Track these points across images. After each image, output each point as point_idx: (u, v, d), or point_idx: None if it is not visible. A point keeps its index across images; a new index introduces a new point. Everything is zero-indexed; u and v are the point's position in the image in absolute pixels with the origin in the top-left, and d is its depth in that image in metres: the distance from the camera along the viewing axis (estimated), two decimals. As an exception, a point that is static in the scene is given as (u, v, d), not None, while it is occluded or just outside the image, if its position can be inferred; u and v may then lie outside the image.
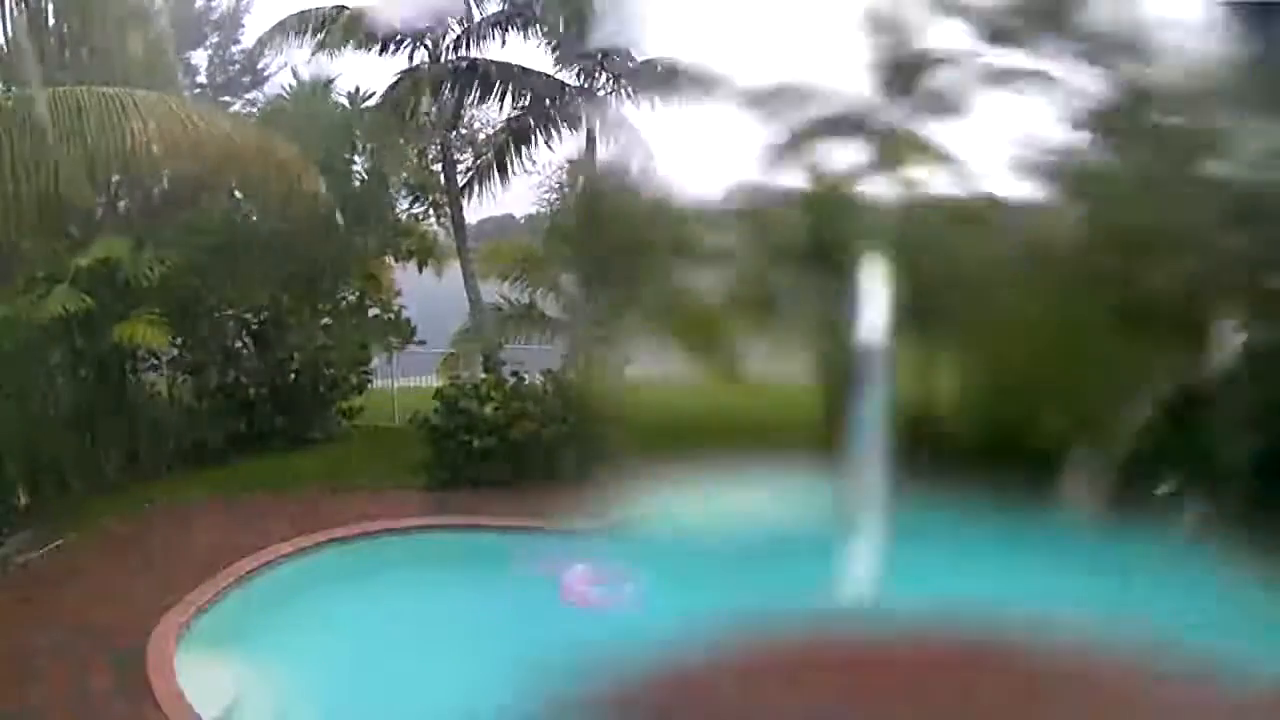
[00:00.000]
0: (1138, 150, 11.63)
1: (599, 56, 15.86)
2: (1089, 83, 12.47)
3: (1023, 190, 14.35)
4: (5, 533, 9.63)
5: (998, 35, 13.60)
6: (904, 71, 14.40)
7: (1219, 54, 11.25)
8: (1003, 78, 14.08)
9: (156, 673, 7.25)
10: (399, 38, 16.12)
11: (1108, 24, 12.59)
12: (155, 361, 13.04)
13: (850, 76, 15.02)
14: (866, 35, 14.36)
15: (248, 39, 17.95)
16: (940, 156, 14.73)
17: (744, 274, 14.95)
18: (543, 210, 16.89)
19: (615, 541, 10.50)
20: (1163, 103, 11.29)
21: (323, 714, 7.50)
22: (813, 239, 14.23)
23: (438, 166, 16.86)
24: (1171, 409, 10.12)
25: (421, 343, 15.12)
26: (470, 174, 16.95)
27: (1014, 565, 9.31)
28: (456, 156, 17.11)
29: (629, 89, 16.04)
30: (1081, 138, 13.17)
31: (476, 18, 16.20)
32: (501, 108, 16.36)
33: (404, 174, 15.92)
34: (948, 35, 14.05)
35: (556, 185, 16.69)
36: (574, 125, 16.17)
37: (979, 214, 13.97)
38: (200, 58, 15.37)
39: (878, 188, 14.64)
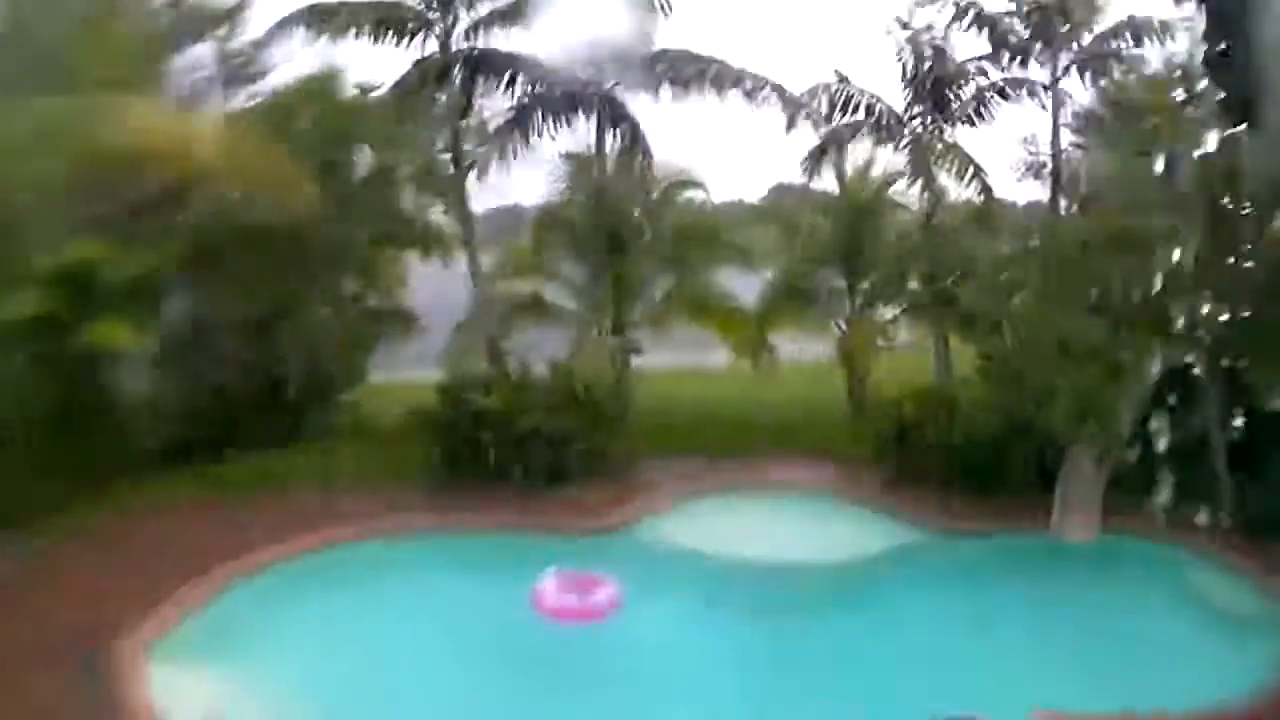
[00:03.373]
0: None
1: (611, 50, 15.42)
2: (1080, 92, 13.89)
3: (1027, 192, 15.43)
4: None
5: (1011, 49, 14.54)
6: (935, 83, 14.84)
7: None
8: (1012, 88, 14.89)
9: (128, 681, 6.97)
10: (407, 27, 15.76)
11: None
12: (143, 358, 12.60)
13: (884, 84, 15.63)
14: (900, 48, 14.89)
15: (251, 31, 17.61)
16: (965, 162, 15.10)
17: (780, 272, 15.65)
18: (552, 200, 16.46)
19: (619, 545, 10.12)
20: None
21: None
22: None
23: (446, 156, 16.47)
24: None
25: (425, 329, 14.76)
26: (479, 164, 16.54)
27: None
28: (465, 146, 16.72)
29: (644, 82, 15.55)
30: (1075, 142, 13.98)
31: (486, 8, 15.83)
32: (512, 96, 15.98)
33: (410, 164, 15.51)
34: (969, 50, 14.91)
35: (564, 176, 16.25)
36: (584, 117, 15.73)
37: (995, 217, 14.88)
38: (201, 53, 14.93)
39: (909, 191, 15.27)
